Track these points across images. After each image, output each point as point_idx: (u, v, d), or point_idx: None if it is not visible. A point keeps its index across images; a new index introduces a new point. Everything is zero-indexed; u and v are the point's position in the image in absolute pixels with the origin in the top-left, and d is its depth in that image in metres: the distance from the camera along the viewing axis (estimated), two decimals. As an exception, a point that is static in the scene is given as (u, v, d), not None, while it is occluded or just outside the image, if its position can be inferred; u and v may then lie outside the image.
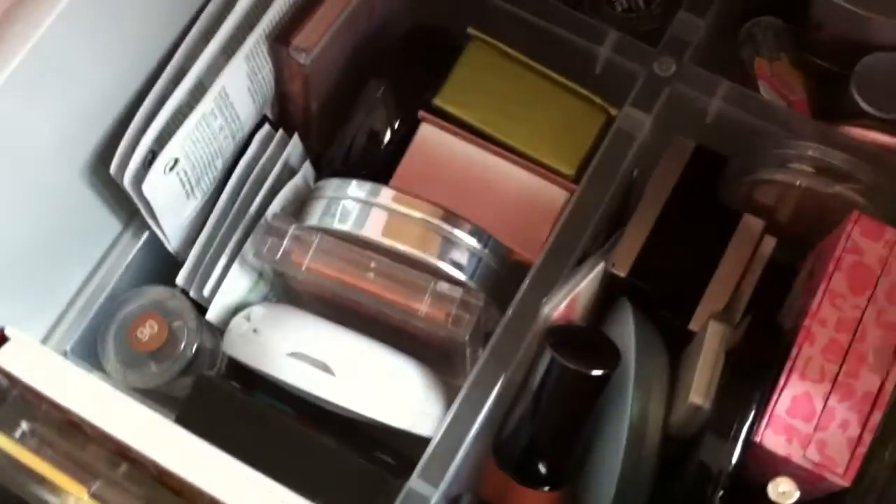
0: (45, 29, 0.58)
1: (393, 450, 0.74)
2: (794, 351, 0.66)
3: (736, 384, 0.66)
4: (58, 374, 0.58)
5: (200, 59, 0.67)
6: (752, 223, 0.76)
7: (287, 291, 0.77)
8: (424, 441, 0.69)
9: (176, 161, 0.67)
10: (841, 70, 0.81)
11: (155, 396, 0.74)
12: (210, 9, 0.69)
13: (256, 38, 0.69)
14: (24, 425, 0.62)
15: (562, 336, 0.68)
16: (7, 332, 0.60)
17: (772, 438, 0.64)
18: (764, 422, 0.64)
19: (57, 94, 0.62)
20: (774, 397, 0.65)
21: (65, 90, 0.63)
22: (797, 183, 0.73)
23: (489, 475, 0.74)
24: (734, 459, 0.64)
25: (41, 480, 0.61)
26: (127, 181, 0.66)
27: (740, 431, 0.64)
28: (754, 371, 0.66)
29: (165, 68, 0.68)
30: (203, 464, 0.58)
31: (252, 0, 0.69)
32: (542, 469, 0.71)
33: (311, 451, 0.68)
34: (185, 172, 0.69)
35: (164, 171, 0.67)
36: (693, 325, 0.73)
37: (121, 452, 0.61)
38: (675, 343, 0.73)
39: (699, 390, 0.66)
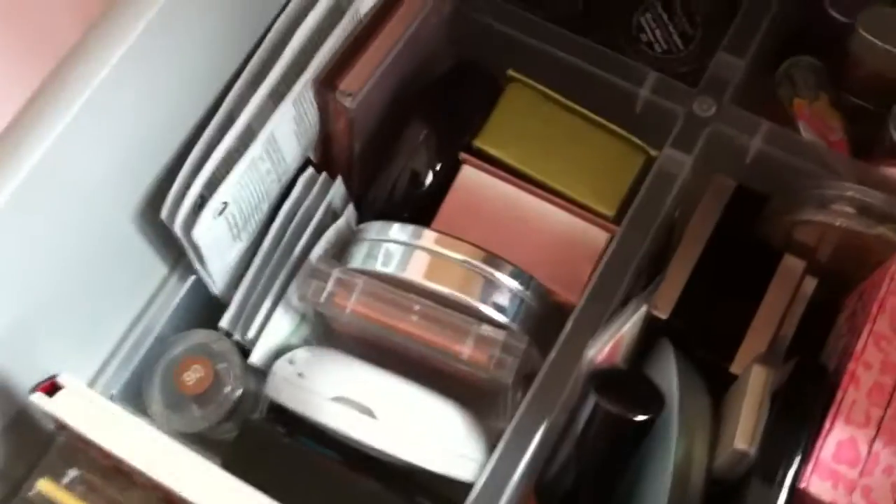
0: (104, 74, 0.59)
1: (435, 494, 0.74)
2: (839, 395, 0.66)
3: (781, 428, 0.66)
4: (112, 422, 0.58)
5: (250, 104, 0.68)
6: (792, 263, 0.76)
7: (328, 333, 0.77)
8: (465, 486, 0.69)
9: (225, 205, 0.68)
10: (878, 108, 0.81)
11: (198, 440, 0.74)
12: (259, 55, 0.70)
13: (304, 83, 0.70)
14: (72, 472, 0.63)
15: (605, 379, 0.68)
16: (60, 379, 0.60)
17: (818, 484, 0.64)
18: (809, 467, 0.64)
19: (112, 138, 0.63)
20: (820, 442, 0.64)
21: (119, 134, 0.63)
22: (837, 223, 0.73)
23: (532, 517, 0.74)
24: (780, 504, 0.64)
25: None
26: (178, 226, 0.67)
27: (786, 477, 0.64)
28: (799, 414, 0.66)
29: (215, 114, 0.68)
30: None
31: (300, 46, 0.69)
32: (586, 512, 0.71)
33: (355, 496, 0.68)
34: (234, 216, 0.70)
35: (214, 216, 0.67)
36: (734, 368, 0.73)
37: (168, 499, 0.61)
38: (716, 384, 0.73)
39: (744, 436, 0.66)
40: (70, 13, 0.62)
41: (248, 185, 0.70)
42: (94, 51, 0.59)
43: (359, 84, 0.72)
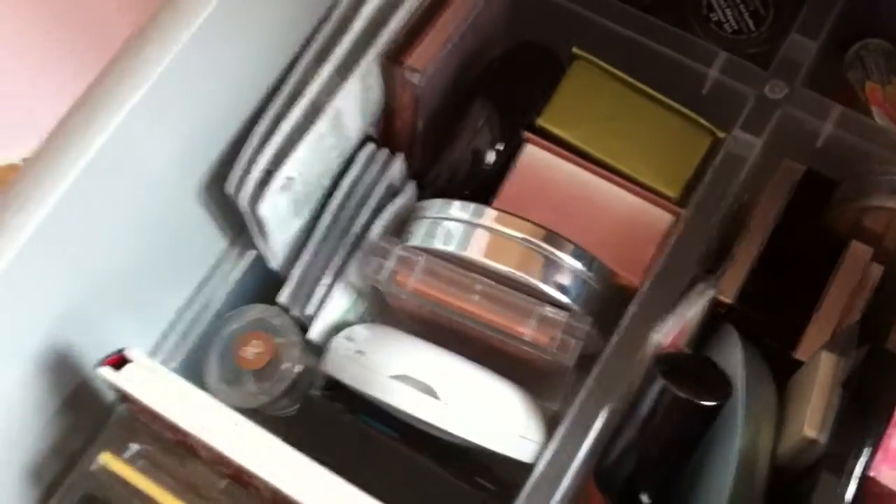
0: (171, 55, 0.58)
1: (492, 474, 0.74)
2: (910, 385, 0.65)
3: (851, 416, 0.65)
4: (180, 397, 0.58)
5: (316, 79, 0.67)
6: (859, 250, 0.75)
7: (384, 310, 0.77)
8: (521, 466, 0.69)
9: (290, 180, 0.67)
10: (951, 94, 0.79)
11: (253, 415, 0.74)
12: (326, 30, 0.69)
13: (371, 59, 0.69)
14: (134, 446, 0.63)
15: (672, 364, 0.67)
16: (127, 353, 0.60)
17: (887, 474, 0.63)
18: (879, 456, 0.63)
19: (178, 116, 0.62)
20: (890, 430, 0.63)
21: (185, 112, 0.63)
22: (908, 210, 0.72)
23: (590, 500, 0.73)
24: (849, 496, 0.63)
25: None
26: (244, 200, 0.66)
27: (855, 466, 0.63)
28: (870, 403, 0.65)
29: (281, 89, 0.68)
30: (320, 489, 0.57)
31: (367, 20, 0.69)
32: (646, 498, 0.70)
33: (414, 474, 0.68)
34: (297, 191, 0.69)
35: (280, 191, 0.67)
36: (798, 354, 0.72)
37: (234, 475, 0.61)
38: (779, 370, 0.72)
39: (813, 423, 0.65)
40: (121, 14, 0.61)
41: (312, 160, 0.69)
42: (161, 32, 0.59)
43: (426, 60, 0.71)
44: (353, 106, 0.71)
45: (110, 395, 0.70)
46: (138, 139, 0.60)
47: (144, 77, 0.57)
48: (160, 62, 0.57)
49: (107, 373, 0.60)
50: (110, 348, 0.64)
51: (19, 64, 1.00)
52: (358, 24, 0.68)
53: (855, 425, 0.64)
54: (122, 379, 0.59)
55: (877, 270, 0.75)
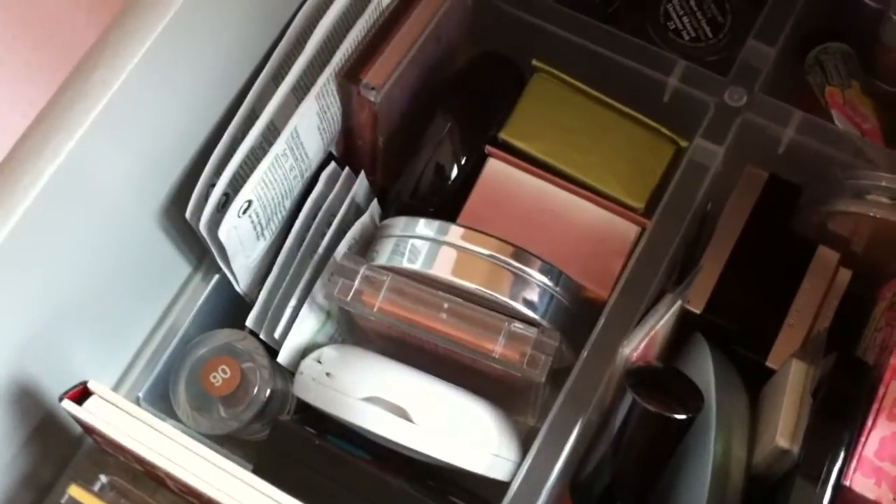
0: (123, 76, 0.57)
1: (467, 492, 0.73)
2: (881, 391, 0.65)
3: (823, 425, 0.64)
4: (143, 428, 0.57)
5: (272, 100, 0.66)
6: (826, 255, 0.75)
7: (354, 330, 0.76)
8: (496, 484, 0.68)
9: (249, 203, 0.67)
10: (912, 96, 0.80)
11: (227, 441, 0.73)
12: (280, 49, 0.68)
13: (327, 77, 0.68)
14: (103, 478, 0.62)
15: (642, 377, 0.67)
16: (90, 385, 0.59)
17: (861, 482, 0.63)
18: (853, 465, 0.63)
19: (133, 140, 0.62)
20: (863, 439, 0.63)
21: (141, 136, 0.62)
22: (872, 214, 0.72)
23: (565, 516, 0.73)
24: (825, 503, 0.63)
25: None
26: (202, 225, 0.66)
27: (830, 475, 0.63)
28: (842, 411, 0.64)
29: (237, 111, 0.67)
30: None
31: (322, 39, 0.68)
32: (621, 511, 0.70)
33: (387, 496, 0.67)
34: (257, 214, 0.69)
35: (238, 214, 0.66)
36: (770, 362, 0.72)
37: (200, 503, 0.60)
38: (751, 379, 0.72)
39: (785, 433, 0.65)
40: (87, 13, 0.60)
41: (271, 183, 0.68)
42: (113, 53, 0.58)
43: (383, 77, 0.70)
44: (311, 126, 0.70)
45: (78, 427, 0.69)
46: (93, 165, 0.59)
47: (95, 101, 0.56)
48: (110, 85, 0.56)
49: (70, 406, 0.59)
50: (76, 378, 0.63)
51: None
52: (313, 43, 0.67)
53: (827, 434, 0.64)
54: (85, 412, 0.58)
55: (845, 275, 0.75)
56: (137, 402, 0.72)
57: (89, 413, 0.57)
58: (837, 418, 0.64)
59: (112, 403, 0.57)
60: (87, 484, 0.61)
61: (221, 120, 0.68)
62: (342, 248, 0.73)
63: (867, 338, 0.73)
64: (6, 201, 0.55)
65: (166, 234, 0.70)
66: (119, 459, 0.61)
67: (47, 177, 0.56)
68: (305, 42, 0.68)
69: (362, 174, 0.76)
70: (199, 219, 0.66)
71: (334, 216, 0.74)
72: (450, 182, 0.77)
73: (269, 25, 0.69)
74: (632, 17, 0.82)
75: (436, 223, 0.70)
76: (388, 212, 0.77)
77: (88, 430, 0.59)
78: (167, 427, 0.57)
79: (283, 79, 0.67)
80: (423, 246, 0.70)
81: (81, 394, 0.59)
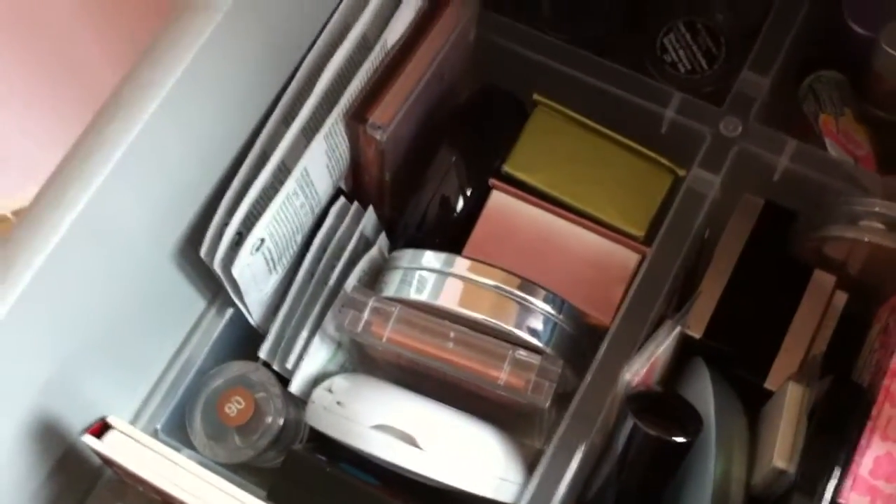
0: (141, 126, 0.60)
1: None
2: (875, 411, 0.66)
3: (819, 445, 0.66)
4: (161, 461, 0.59)
5: (283, 141, 0.68)
6: (823, 279, 0.76)
7: (364, 359, 0.78)
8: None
9: (262, 241, 0.69)
10: (904, 122, 0.81)
11: (243, 469, 0.75)
12: (290, 92, 0.70)
13: (335, 118, 0.71)
14: (122, 508, 0.64)
15: (643, 402, 0.69)
16: (109, 420, 0.61)
17: (856, 500, 0.64)
18: (848, 483, 0.64)
19: (150, 185, 0.64)
20: (857, 458, 0.65)
21: (157, 181, 0.65)
22: (866, 239, 0.74)
23: (572, 537, 0.75)
24: (821, 522, 0.64)
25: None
26: (217, 264, 0.68)
27: (825, 493, 0.64)
28: (837, 432, 0.66)
29: (249, 152, 0.69)
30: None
31: (330, 81, 0.70)
32: (626, 532, 0.72)
33: (397, 521, 0.69)
34: (270, 250, 0.71)
35: (252, 252, 0.68)
36: (769, 384, 0.74)
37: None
38: (750, 401, 0.73)
39: (783, 454, 0.67)
40: (105, 59, 0.63)
41: (283, 220, 0.71)
42: (130, 102, 0.60)
43: (389, 116, 0.73)
44: (320, 164, 0.72)
45: (98, 459, 0.71)
46: (110, 212, 0.61)
47: (113, 150, 0.59)
48: (127, 136, 0.59)
49: (90, 441, 0.61)
50: (96, 412, 0.65)
51: (4, 113, 1.02)
52: (321, 85, 0.70)
53: (822, 454, 0.66)
54: (105, 447, 0.60)
55: (841, 298, 0.77)
56: (156, 433, 0.74)
57: (109, 447, 0.60)
58: (833, 438, 0.66)
59: (130, 437, 0.60)
60: (107, 514, 0.63)
61: (234, 162, 0.70)
62: (352, 280, 0.75)
63: (863, 359, 0.74)
64: (28, 248, 0.58)
65: (182, 271, 0.72)
66: (138, 490, 0.64)
67: (66, 226, 0.58)
68: (314, 85, 0.70)
69: (370, 208, 0.78)
70: (213, 257, 0.68)
71: (344, 249, 0.76)
72: (455, 214, 0.79)
73: (279, 70, 0.71)
74: (629, 50, 0.84)
75: (442, 255, 0.73)
76: (395, 244, 0.79)
77: (108, 462, 0.62)
78: (183, 459, 0.60)
79: (293, 120, 0.69)
80: (430, 277, 0.72)
81: (101, 428, 0.61)
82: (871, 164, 0.80)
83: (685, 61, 0.84)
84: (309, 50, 0.72)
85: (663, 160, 0.78)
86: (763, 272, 0.77)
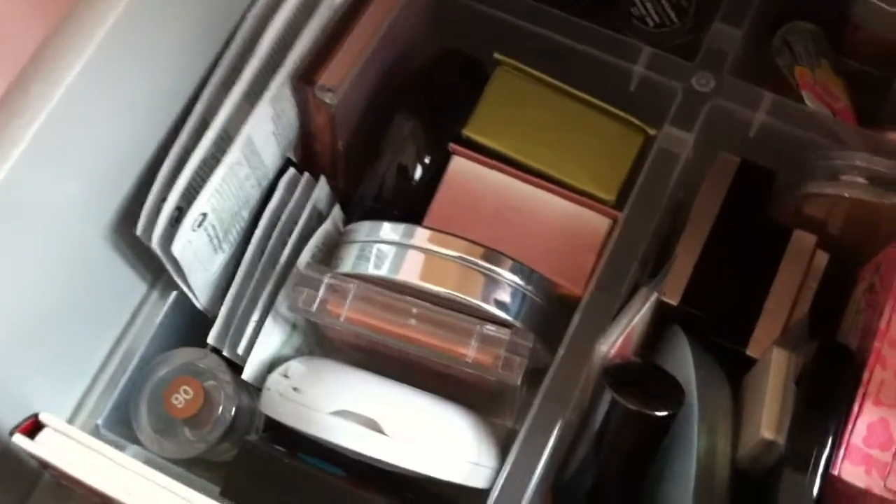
0: (63, 89, 0.55)
1: (449, 502, 0.71)
2: (866, 375, 0.63)
3: (808, 414, 0.63)
4: (98, 460, 0.54)
5: (224, 107, 0.64)
6: (803, 239, 0.74)
7: (321, 341, 0.74)
8: (478, 491, 0.66)
9: (204, 216, 0.64)
10: (883, 73, 0.78)
11: (196, 463, 0.71)
12: (229, 54, 0.66)
13: (280, 81, 0.66)
14: (63, 511, 0.59)
15: (620, 375, 0.65)
16: (42, 417, 0.56)
17: (850, 470, 0.61)
18: (840, 453, 0.61)
19: (78, 154, 0.59)
20: (849, 426, 0.62)
21: (85, 149, 0.60)
22: (847, 195, 0.71)
23: (549, 520, 0.71)
24: (814, 494, 0.61)
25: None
26: (155, 241, 0.63)
27: (818, 464, 0.61)
28: (827, 399, 0.63)
29: (188, 119, 0.65)
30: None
31: (274, 41, 0.66)
32: (606, 513, 0.68)
33: (363, 513, 0.65)
34: (213, 227, 0.66)
35: (193, 228, 0.64)
36: (751, 350, 0.71)
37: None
38: (732, 368, 0.70)
39: (770, 424, 0.64)
40: (27, 21, 0.58)
41: (226, 193, 0.66)
42: (52, 63, 0.55)
43: (339, 78, 0.68)
44: (265, 132, 0.68)
45: (34, 461, 0.66)
46: (33, 183, 0.56)
47: (34, 116, 0.54)
48: (49, 99, 0.54)
49: (21, 441, 0.56)
50: (30, 409, 0.60)
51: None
52: (264, 46, 0.65)
53: (813, 423, 0.63)
54: (37, 446, 0.56)
55: (822, 258, 0.74)
56: (97, 430, 0.69)
57: (42, 447, 0.55)
58: (823, 406, 0.63)
59: (65, 435, 0.55)
60: (47, 518, 0.58)
61: (171, 130, 0.65)
62: (305, 256, 0.71)
63: (848, 321, 0.72)
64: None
65: (118, 252, 0.68)
66: (77, 493, 0.59)
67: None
68: (256, 45, 0.65)
69: (323, 179, 0.74)
70: (151, 235, 0.63)
71: (295, 224, 0.72)
72: (414, 183, 0.75)
73: (217, 30, 0.67)
74: (595, 5, 0.81)
75: (401, 226, 0.68)
76: (351, 217, 0.75)
77: (43, 464, 0.57)
78: (125, 458, 0.55)
79: (234, 84, 0.65)
80: (389, 251, 0.68)
81: (33, 427, 0.56)
82: (849, 117, 0.77)
83: (654, 15, 0.80)
84: (249, 8, 0.67)
85: (633, 119, 0.74)
86: (741, 234, 0.73)
